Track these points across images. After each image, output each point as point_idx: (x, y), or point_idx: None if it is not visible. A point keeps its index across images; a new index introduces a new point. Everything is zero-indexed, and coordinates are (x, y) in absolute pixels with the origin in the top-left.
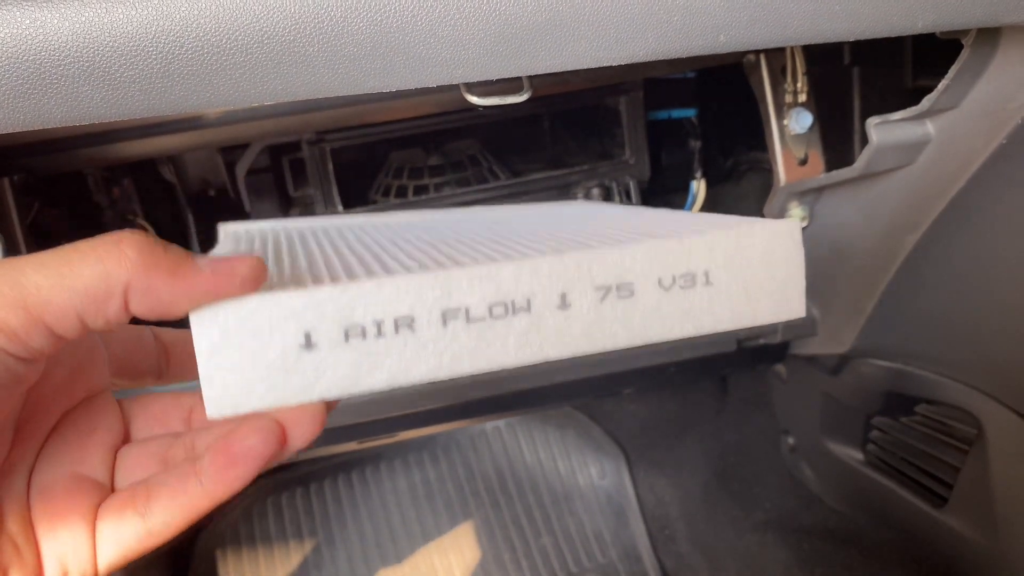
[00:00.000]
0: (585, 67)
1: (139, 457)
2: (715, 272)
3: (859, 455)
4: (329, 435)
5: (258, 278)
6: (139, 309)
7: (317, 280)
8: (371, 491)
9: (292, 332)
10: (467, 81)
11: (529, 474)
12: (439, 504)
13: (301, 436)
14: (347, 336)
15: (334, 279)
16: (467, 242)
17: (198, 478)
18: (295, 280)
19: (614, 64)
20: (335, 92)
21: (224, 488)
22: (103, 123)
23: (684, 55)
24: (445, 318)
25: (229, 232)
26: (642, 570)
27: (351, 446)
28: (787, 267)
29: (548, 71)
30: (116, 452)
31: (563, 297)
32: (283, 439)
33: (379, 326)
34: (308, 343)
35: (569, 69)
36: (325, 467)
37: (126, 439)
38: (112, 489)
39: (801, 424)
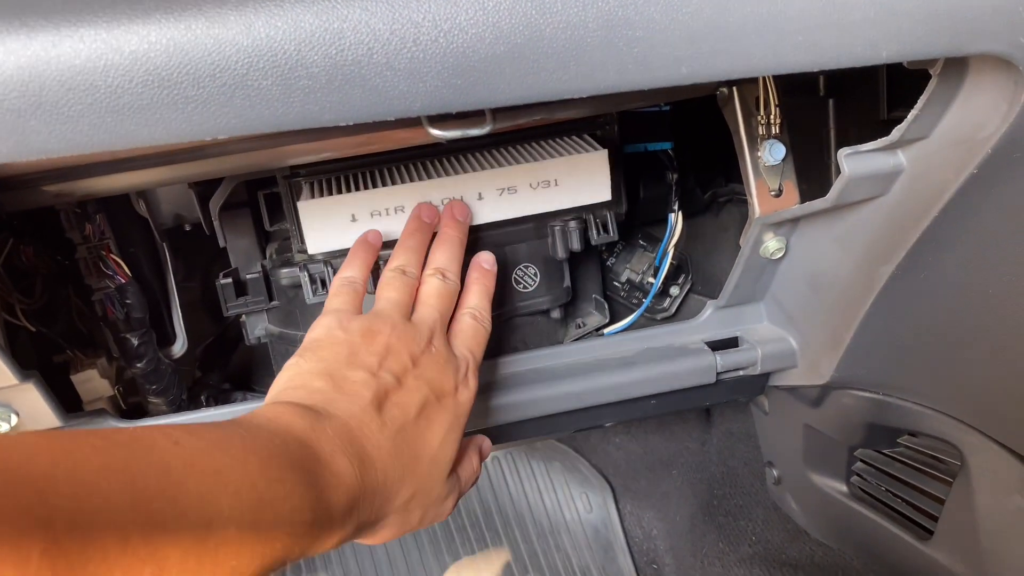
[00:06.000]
0: (547, 99)
1: None
2: (560, 179)
3: (843, 487)
4: None
5: None
6: None
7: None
8: None
9: (345, 214)
10: (427, 114)
11: (515, 509)
12: (424, 539)
13: None
14: (372, 216)
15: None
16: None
17: None
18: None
19: (576, 96)
20: (291, 126)
21: None
22: (68, 158)
23: (647, 87)
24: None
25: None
26: None
27: None
28: (599, 175)
29: (509, 103)
30: None
31: (480, 194)
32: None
33: (386, 211)
34: (353, 219)
35: (531, 101)
36: None
37: None
38: None
39: (785, 456)
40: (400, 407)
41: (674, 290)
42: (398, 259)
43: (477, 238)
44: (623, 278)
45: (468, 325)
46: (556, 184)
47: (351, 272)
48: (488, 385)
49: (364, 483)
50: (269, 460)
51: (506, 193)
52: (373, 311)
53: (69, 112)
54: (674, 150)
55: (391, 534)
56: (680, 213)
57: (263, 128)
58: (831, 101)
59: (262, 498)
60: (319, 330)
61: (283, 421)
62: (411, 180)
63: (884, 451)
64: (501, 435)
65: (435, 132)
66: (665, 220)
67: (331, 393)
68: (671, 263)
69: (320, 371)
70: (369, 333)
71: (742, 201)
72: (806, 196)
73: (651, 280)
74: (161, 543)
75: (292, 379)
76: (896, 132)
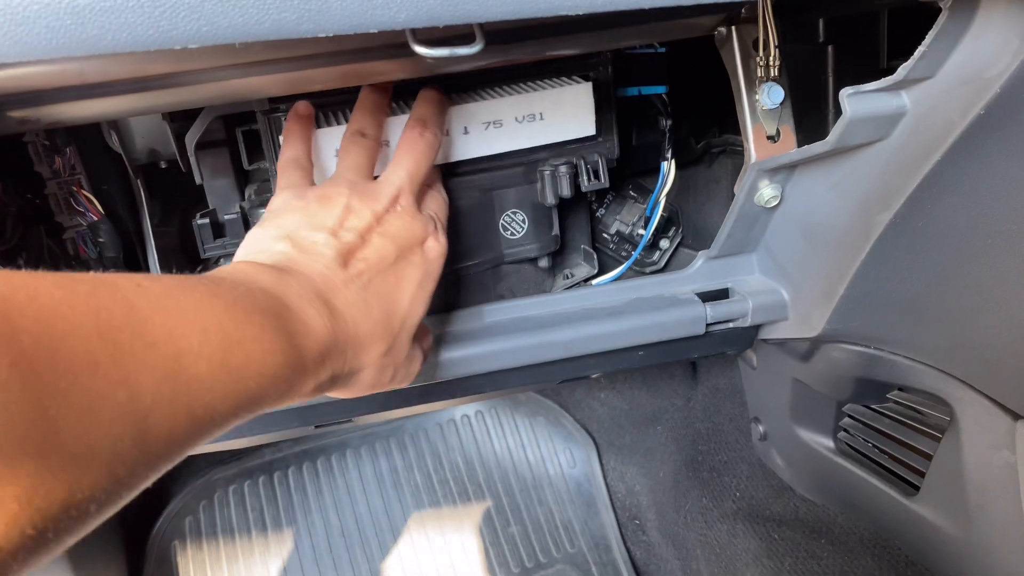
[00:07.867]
0: (541, 15)
1: None
2: (545, 112)
3: (830, 443)
4: (282, 418)
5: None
6: None
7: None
8: (336, 479)
9: (334, 144)
10: (413, 26)
11: (498, 462)
12: (406, 493)
13: None
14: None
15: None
16: None
17: None
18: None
19: (572, 13)
20: (267, 35)
21: None
22: (33, 79)
23: (648, 5)
24: None
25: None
26: (611, 560)
27: (309, 430)
28: (583, 108)
29: (500, 18)
30: None
31: (465, 128)
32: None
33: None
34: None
35: (523, 16)
36: (289, 454)
37: None
38: None
39: (772, 412)
40: (366, 262)
41: (664, 243)
42: (354, 123)
43: (465, 179)
44: (612, 230)
45: (428, 194)
46: (541, 118)
47: (292, 152)
48: (474, 332)
49: (335, 333)
50: (235, 303)
51: (492, 127)
52: (329, 177)
53: (25, 12)
54: (668, 96)
55: (364, 388)
56: (673, 162)
57: (235, 37)
58: (830, 48)
59: (230, 337)
60: (276, 202)
61: (247, 275)
62: (396, 114)
63: (872, 406)
64: (485, 385)
65: (421, 50)
66: (657, 170)
67: (293, 253)
68: (662, 215)
69: (280, 235)
70: (326, 197)
71: (736, 152)
72: (803, 144)
73: (641, 232)
74: (132, 370)
75: (252, 244)
76: (901, 71)
